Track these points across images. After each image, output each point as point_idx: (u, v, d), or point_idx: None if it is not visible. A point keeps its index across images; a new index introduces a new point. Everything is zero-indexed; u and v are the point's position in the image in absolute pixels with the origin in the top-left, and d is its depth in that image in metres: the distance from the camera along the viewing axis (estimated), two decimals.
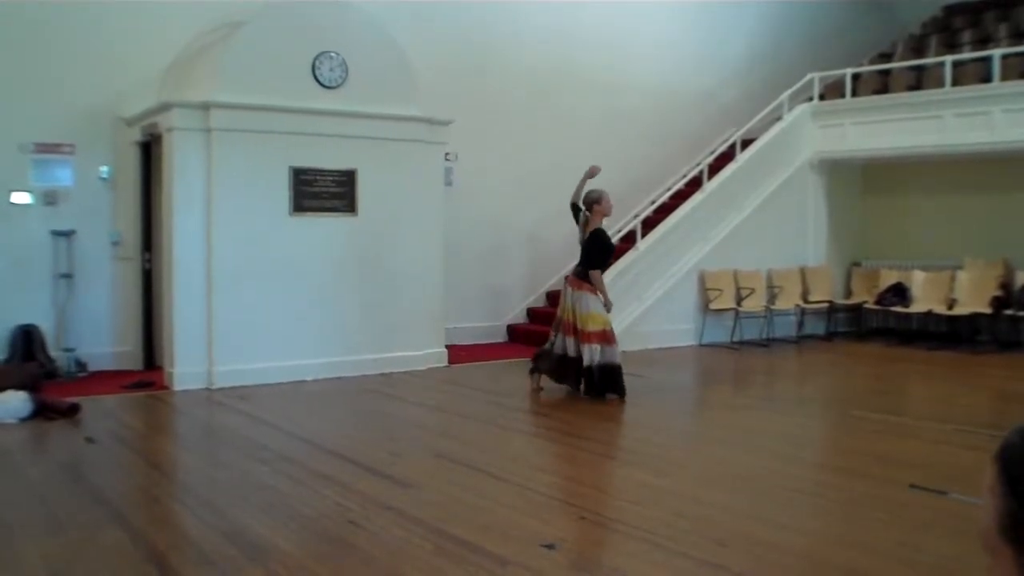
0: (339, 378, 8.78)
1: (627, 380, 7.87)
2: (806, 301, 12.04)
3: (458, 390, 8.62)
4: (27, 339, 8.67)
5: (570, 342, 7.86)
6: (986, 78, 10.89)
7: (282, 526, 4.57)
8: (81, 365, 8.92)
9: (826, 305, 12.19)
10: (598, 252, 7.85)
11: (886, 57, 13.42)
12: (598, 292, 7.83)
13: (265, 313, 8.58)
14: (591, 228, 7.85)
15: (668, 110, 12.91)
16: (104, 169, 9.23)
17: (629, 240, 10.99)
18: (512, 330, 11.67)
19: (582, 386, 7.88)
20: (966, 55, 11.70)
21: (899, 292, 11.70)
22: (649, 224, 11.27)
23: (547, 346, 8.12)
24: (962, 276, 11.37)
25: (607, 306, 7.84)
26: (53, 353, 8.81)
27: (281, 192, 8.75)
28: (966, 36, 13.14)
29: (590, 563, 4.17)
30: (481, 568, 3.91)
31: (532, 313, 11.83)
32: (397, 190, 9.34)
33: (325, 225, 8.98)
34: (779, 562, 4.09)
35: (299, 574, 3.93)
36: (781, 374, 10.34)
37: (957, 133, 10.80)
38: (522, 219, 11.65)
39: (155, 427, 7.48)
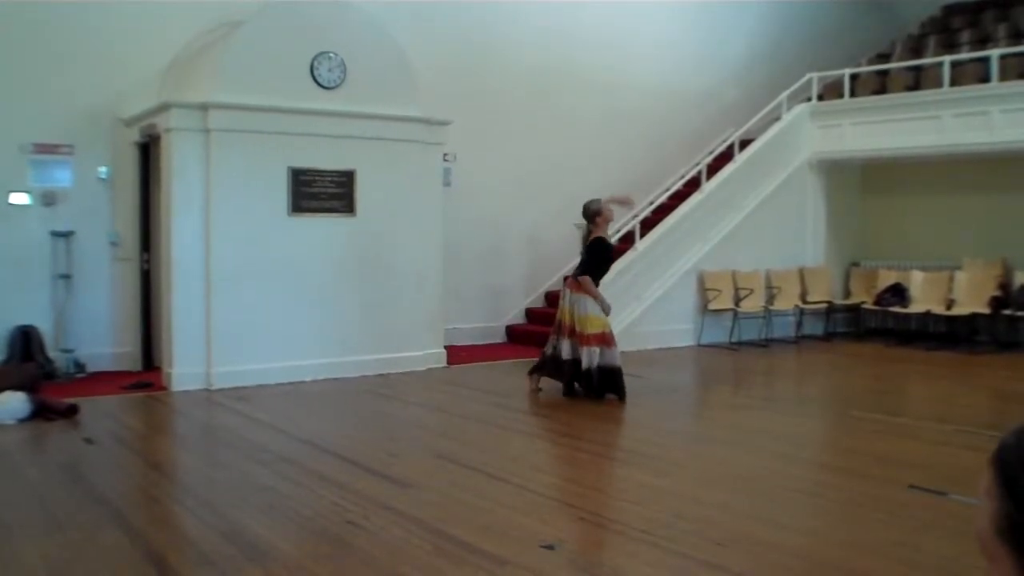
0: (338, 379, 8.77)
1: (626, 380, 7.86)
2: (805, 301, 12.04)
3: (457, 391, 8.62)
4: (26, 340, 8.66)
5: (565, 344, 7.86)
6: (985, 78, 10.90)
7: (281, 526, 4.57)
8: (80, 366, 8.91)
9: (825, 305, 12.20)
10: (595, 261, 7.86)
11: (885, 57, 13.42)
12: (601, 301, 7.83)
13: (264, 314, 8.58)
14: (593, 236, 7.87)
15: (668, 110, 12.91)
16: (103, 170, 9.23)
17: (628, 240, 10.99)
18: (511, 331, 11.67)
19: (577, 387, 7.87)
20: (965, 55, 11.70)
21: (898, 292, 11.71)
22: (648, 224, 11.27)
23: (547, 348, 8.11)
24: (961, 276, 11.37)
25: (605, 309, 7.82)
26: (52, 354, 8.80)
27: (280, 192, 8.75)
28: (965, 36, 13.14)
29: (590, 563, 4.17)
30: (480, 568, 3.91)
31: (531, 314, 11.83)
32: (396, 190, 9.33)
33: (324, 226, 8.97)
34: (779, 562, 4.09)
35: (298, 574, 3.93)
36: (780, 374, 10.34)
37: (956, 133, 10.81)
38: (522, 219, 11.66)
39: (154, 428, 7.47)
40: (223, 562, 4.04)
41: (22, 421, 7.01)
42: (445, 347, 9.82)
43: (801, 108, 12.35)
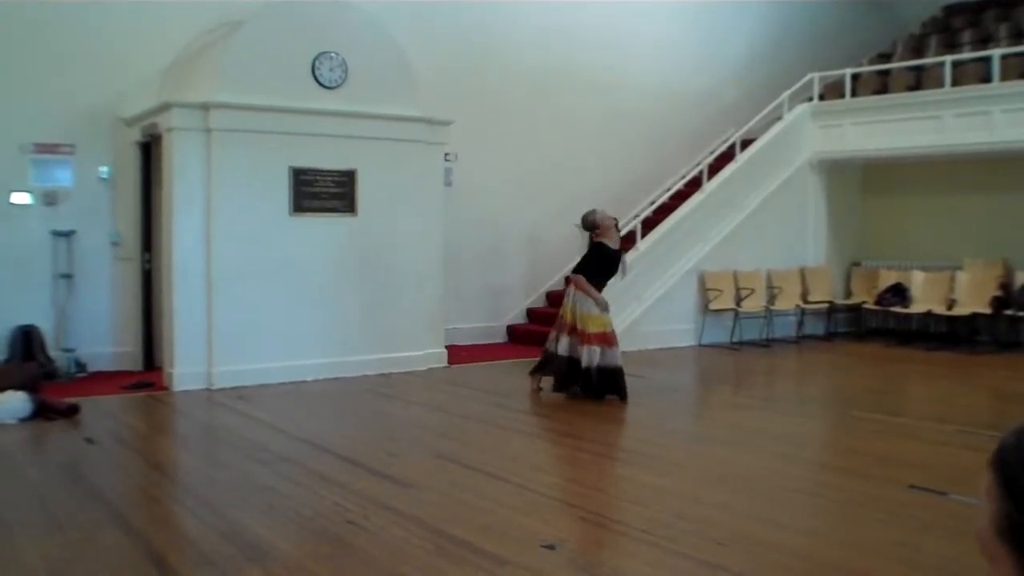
0: (339, 378, 8.77)
1: (627, 380, 7.85)
2: (806, 301, 12.04)
3: (458, 390, 8.62)
4: (27, 339, 8.66)
5: (564, 341, 7.86)
6: (986, 78, 10.89)
7: (281, 526, 4.57)
8: (81, 365, 8.91)
9: (826, 305, 12.19)
10: (591, 262, 7.87)
11: (886, 57, 13.42)
12: (596, 299, 7.82)
13: (265, 313, 8.58)
14: (595, 241, 7.90)
15: (668, 110, 12.91)
16: (104, 169, 9.23)
17: (629, 240, 10.97)
18: (512, 330, 11.67)
19: (576, 389, 7.86)
20: (966, 55, 11.69)
21: (899, 292, 11.70)
22: (649, 224, 11.27)
23: (548, 345, 8.10)
24: (961, 276, 11.37)
25: (600, 306, 7.78)
26: (53, 353, 8.80)
27: (281, 192, 8.75)
28: (966, 36, 13.14)
29: (590, 563, 4.17)
30: (480, 568, 3.91)
31: (532, 313, 11.83)
32: (397, 190, 9.33)
33: (325, 225, 8.97)
34: (779, 562, 4.09)
35: (298, 574, 3.93)
36: (781, 374, 10.34)
37: (957, 133, 10.80)
38: (522, 219, 11.66)
39: (155, 427, 7.47)
40: (223, 562, 4.04)
41: (23, 421, 7.01)
42: (446, 347, 9.81)
43: (802, 108, 12.35)
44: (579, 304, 7.79)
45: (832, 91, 12.51)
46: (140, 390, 8.33)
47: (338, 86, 9.02)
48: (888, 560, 4.10)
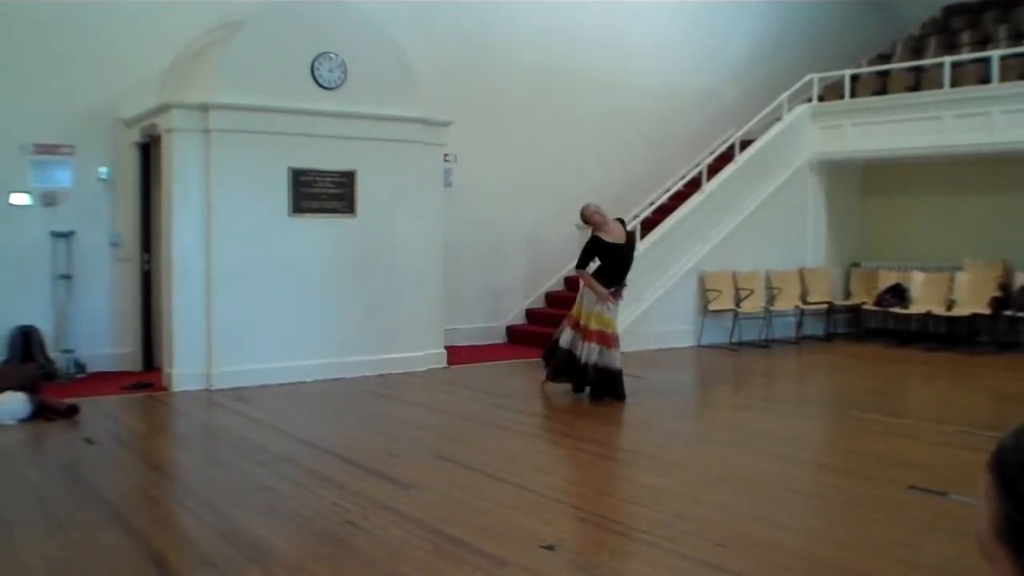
0: (338, 379, 8.77)
1: (626, 381, 7.86)
2: (805, 302, 12.04)
3: (457, 391, 8.62)
4: (26, 340, 8.66)
5: (567, 334, 7.94)
6: (985, 79, 10.89)
7: (281, 526, 4.57)
8: (80, 366, 8.91)
9: (825, 306, 12.19)
10: (582, 254, 7.90)
11: (885, 58, 13.42)
12: (596, 291, 7.84)
13: (264, 314, 8.58)
14: (592, 235, 7.94)
15: (668, 110, 12.91)
16: (103, 170, 9.23)
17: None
18: (512, 331, 11.66)
19: (572, 383, 7.94)
20: (965, 56, 11.70)
21: (898, 293, 11.71)
22: (648, 225, 11.27)
23: (555, 335, 8.18)
24: (961, 277, 11.37)
25: (600, 297, 7.76)
26: (52, 354, 8.80)
27: (280, 193, 8.75)
28: (965, 37, 13.14)
29: (590, 563, 4.17)
30: (480, 569, 3.91)
31: (531, 314, 11.83)
32: (397, 191, 9.33)
33: (324, 226, 8.97)
34: (779, 562, 4.09)
35: (298, 574, 3.93)
36: (780, 375, 10.34)
37: (956, 134, 10.80)
38: (522, 220, 11.66)
39: (154, 428, 7.47)
40: (223, 562, 4.05)
41: (22, 421, 7.00)
42: (445, 347, 9.81)
43: (802, 109, 12.35)
44: (585, 299, 7.86)
45: (832, 92, 12.51)
46: (139, 390, 8.32)
47: (337, 87, 9.02)
48: (888, 560, 4.10)
